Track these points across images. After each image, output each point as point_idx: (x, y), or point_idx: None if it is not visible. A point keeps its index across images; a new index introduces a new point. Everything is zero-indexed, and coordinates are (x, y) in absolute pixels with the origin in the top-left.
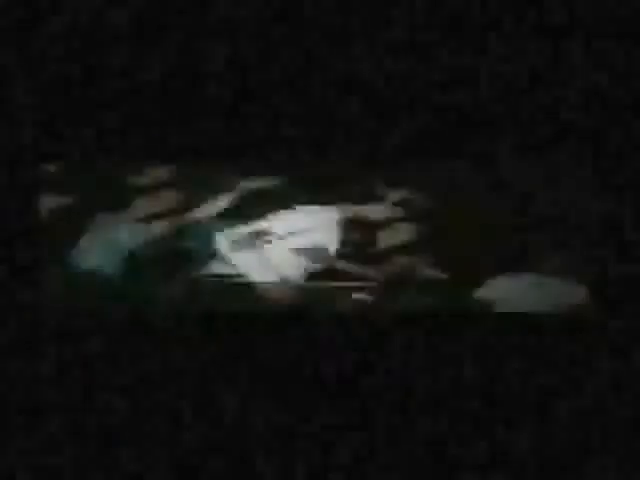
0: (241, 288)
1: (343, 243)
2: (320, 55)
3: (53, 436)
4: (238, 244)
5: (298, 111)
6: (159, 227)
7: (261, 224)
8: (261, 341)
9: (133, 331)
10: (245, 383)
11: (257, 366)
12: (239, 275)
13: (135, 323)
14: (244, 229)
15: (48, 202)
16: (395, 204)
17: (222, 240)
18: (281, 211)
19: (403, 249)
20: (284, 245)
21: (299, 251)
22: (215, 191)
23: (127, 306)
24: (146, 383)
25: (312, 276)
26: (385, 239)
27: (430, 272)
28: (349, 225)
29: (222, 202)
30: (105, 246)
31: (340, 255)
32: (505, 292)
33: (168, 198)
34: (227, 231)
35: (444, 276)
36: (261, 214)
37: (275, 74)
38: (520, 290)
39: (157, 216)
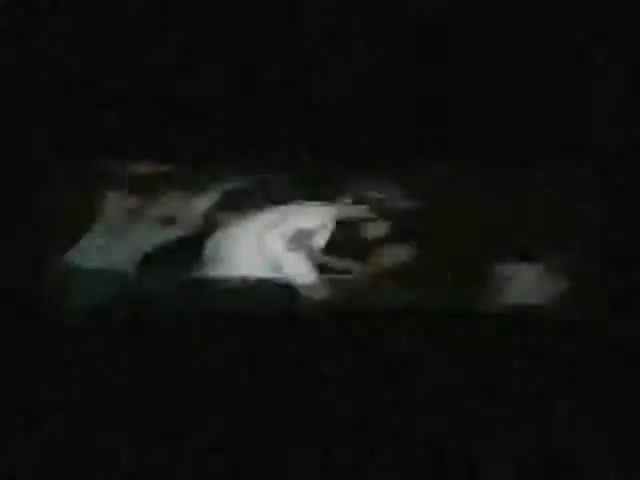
0: (241, 288)
1: (336, 242)
2: (320, 55)
3: (53, 436)
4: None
5: (298, 111)
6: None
7: (259, 224)
8: (261, 341)
9: (133, 331)
10: (245, 383)
11: (257, 366)
12: (239, 275)
13: (135, 323)
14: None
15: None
16: (389, 203)
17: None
18: (280, 210)
19: (394, 245)
20: (280, 243)
21: (294, 248)
22: (214, 191)
23: (127, 306)
24: (146, 383)
25: (308, 274)
26: (376, 236)
27: (427, 270)
28: (343, 224)
29: (219, 201)
30: (104, 246)
31: (332, 252)
32: (505, 292)
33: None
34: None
35: (442, 275)
36: (258, 213)
37: (275, 74)
38: (520, 290)
39: None
